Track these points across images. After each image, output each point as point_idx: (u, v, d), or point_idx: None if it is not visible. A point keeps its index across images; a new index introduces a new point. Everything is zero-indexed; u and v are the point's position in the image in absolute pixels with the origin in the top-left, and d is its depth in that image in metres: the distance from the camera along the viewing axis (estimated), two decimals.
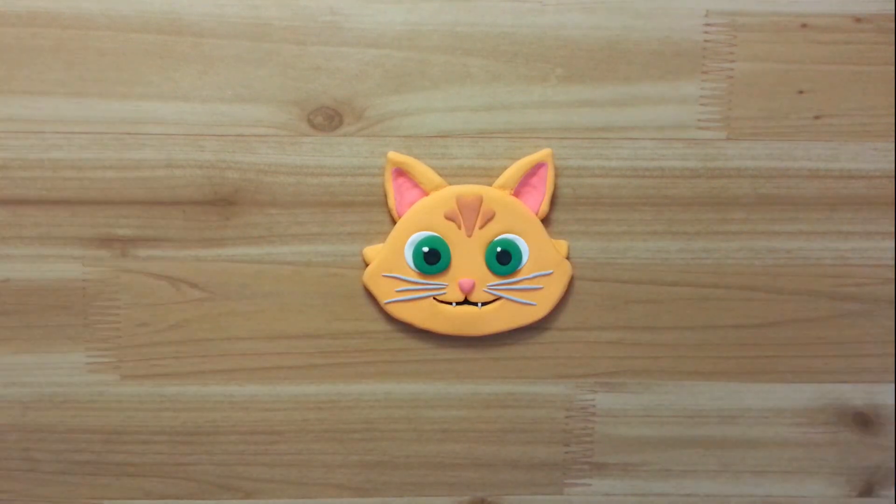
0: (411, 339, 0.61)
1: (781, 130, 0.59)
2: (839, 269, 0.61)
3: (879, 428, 0.63)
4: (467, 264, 0.58)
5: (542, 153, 0.57)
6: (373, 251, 0.59)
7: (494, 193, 0.58)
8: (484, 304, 0.59)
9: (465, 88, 0.57)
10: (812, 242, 0.60)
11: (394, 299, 0.59)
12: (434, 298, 0.59)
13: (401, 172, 0.57)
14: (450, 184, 0.58)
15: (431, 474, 0.63)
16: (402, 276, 0.58)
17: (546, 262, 0.59)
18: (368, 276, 0.58)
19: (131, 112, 0.57)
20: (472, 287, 0.58)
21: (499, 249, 0.58)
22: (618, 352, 0.61)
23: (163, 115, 0.57)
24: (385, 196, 0.58)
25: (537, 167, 0.58)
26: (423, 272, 0.58)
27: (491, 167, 0.58)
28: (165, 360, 0.60)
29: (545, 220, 0.59)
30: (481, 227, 0.58)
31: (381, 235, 0.59)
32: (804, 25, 0.57)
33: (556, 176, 0.58)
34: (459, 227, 0.58)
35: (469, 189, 0.57)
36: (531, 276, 0.59)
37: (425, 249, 0.58)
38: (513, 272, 0.58)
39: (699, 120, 0.58)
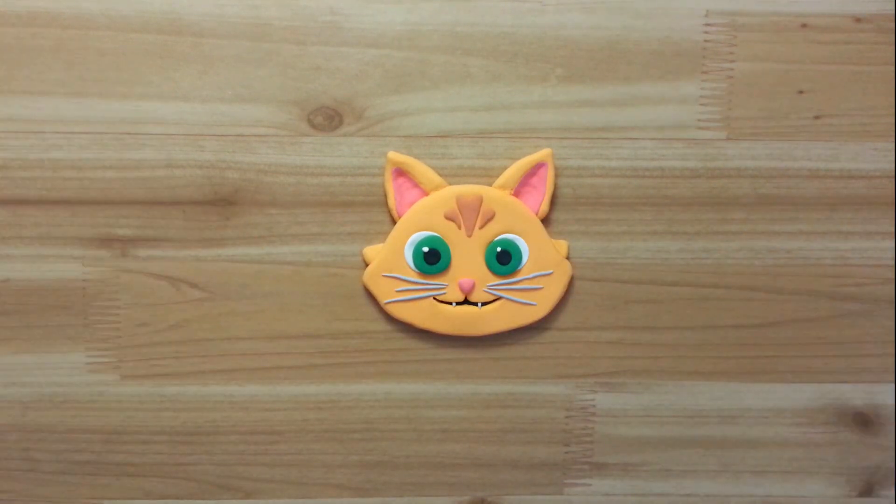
0: (411, 340, 0.60)
1: (781, 130, 0.58)
2: (839, 269, 0.60)
3: (879, 428, 0.63)
4: (467, 264, 0.58)
5: (542, 153, 0.57)
6: (373, 251, 0.58)
7: (494, 193, 0.57)
8: (484, 304, 0.59)
9: (465, 88, 0.57)
10: (812, 242, 0.60)
11: (394, 299, 0.59)
12: (434, 298, 0.59)
13: (401, 172, 0.57)
14: (450, 184, 0.58)
15: (431, 474, 0.63)
16: (402, 276, 0.58)
17: (546, 262, 0.58)
18: (368, 276, 0.58)
19: (131, 112, 0.57)
20: (472, 287, 0.58)
21: (499, 249, 0.58)
22: (618, 352, 0.61)
23: (163, 115, 0.57)
24: (385, 196, 0.58)
25: (537, 167, 0.58)
26: (423, 272, 0.58)
27: (491, 167, 0.58)
28: (165, 360, 0.60)
29: (545, 220, 0.59)
30: (481, 227, 0.58)
31: (381, 235, 0.58)
32: (804, 25, 0.57)
33: (557, 176, 0.58)
34: (459, 227, 0.58)
35: (469, 189, 0.57)
36: (531, 276, 0.59)
37: (425, 249, 0.57)
38: (513, 272, 0.58)
39: (699, 120, 0.58)
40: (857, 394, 0.62)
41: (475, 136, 0.58)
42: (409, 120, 0.57)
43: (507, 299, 0.59)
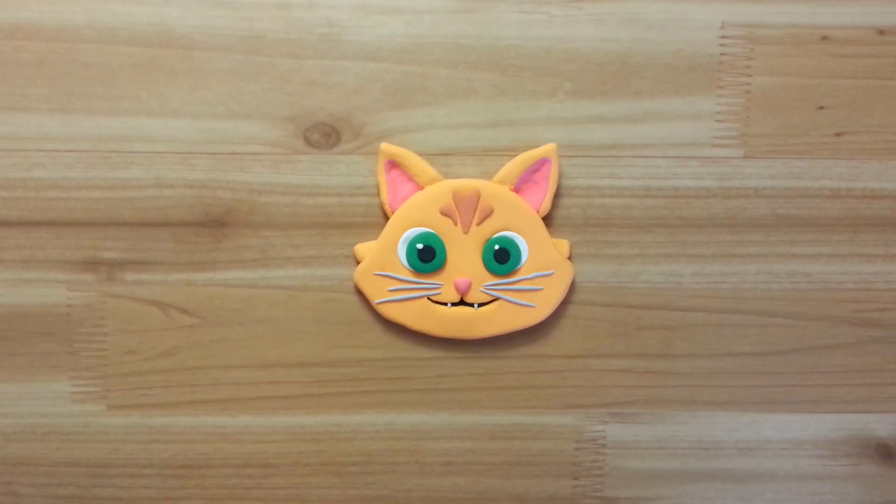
0: (412, 368, 0.59)
1: (801, 148, 0.57)
2: (861, 294, 0.59)
3: None
4: (463, 263, 0.56)
5: (546, 148, 0.56)
6: (364, 248, 0.57)
7: (493, 188, 0.56)
8: (480, 305, 0.57)
9: (468, 104, 0.56)
10: (833, 265, 0.58)
11: (386, 299, 0.57)
12: (428, 299, 0.57)
13: (394, 164, 0.56)
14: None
15: None
16: (395, 275, 0.56)
17: (546, 261, 0.57)
18: (360, 275, 0.57)
19: (118, 129, 0.55)
20: (469, 287, 0.56)
21: (497, 247, 0.56)
22: (629, 380, 0.59)
23: (151, 132, 0.55)
24: (377, 189, 0.56)
25: (540, 163, 0.56)
26: (417, 270, 0.56)
27: None
28: (154, 389, 0.58)
29: (546, 219, 0.57)
30: (479, 224, 0.56)
31: (375, 231, 0.57)
32: (825, 38, 0.56)
33: (560, 175, 0.56)
34: (456, 224, 0.56)
35: (466, 183, 0.56)
36: (531, 276, 0.57)
37: (419, 246, 0.56)
38: (511, 272, 0.56)
39: (715, 137, 0.56)
40: (880, 424, 0.61)
41: (479, 153, 0.56)
42: (409, 137, 0.56)
43: (505, 300, 0.57)
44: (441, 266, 0.56)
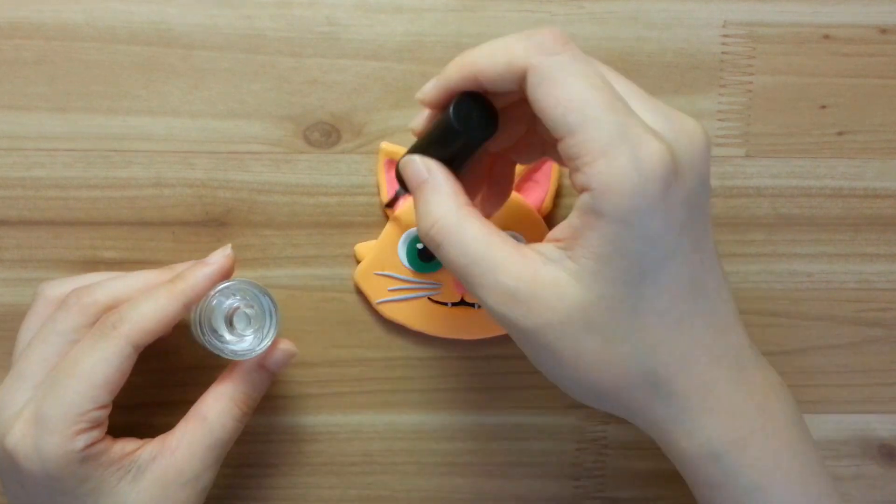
0: (412, 368, 0.58)
1: (803, 147, 0.57)
2: (863, 294, 0.59)
3: None
4: None
5: None
6: (364, 248, 0.56)
7: None
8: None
9: None
10: (835, 265, 0.58)
11: (386, 299, 0.57)
12: (428, 298, 0.57)
13: (394, 163, 0.55)
14: None
15: None
16: (396, 275, 0.56)
17: None
18: (360, 275, 0.56)
19: (118, 128, 0.55)
20: None
21: None
22: None
23: (151, 132, 0.55)
24: (378, 189, 0.56)
25: (541, 162, 0.56)
26: (417, 270, 0.56)
27: None
28: (154, 388, 0.58)
29: (548, 218, 0.57)
30: None
31: (375, 231, 0.57)
32: (827, 37, 0.56)
33: (561, 174, 0.56)
34: None
35: None
36: None
37: (419, 246, 0.55)
38: None
39: (716, 136, 0.56)
40: (882, 425, 0.60)
41: None
42: (410, 136, 0.54)
43: None
44: (441, 266, 0.56)
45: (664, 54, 0.55)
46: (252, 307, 0.50)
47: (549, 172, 0.56)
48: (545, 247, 0.41)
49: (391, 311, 0.57)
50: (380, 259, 0.56)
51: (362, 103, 0.55)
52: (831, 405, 0.60)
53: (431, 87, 0.44)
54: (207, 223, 0.56)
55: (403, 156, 0.46)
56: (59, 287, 0.52)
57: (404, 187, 0.46)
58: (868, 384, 0.60)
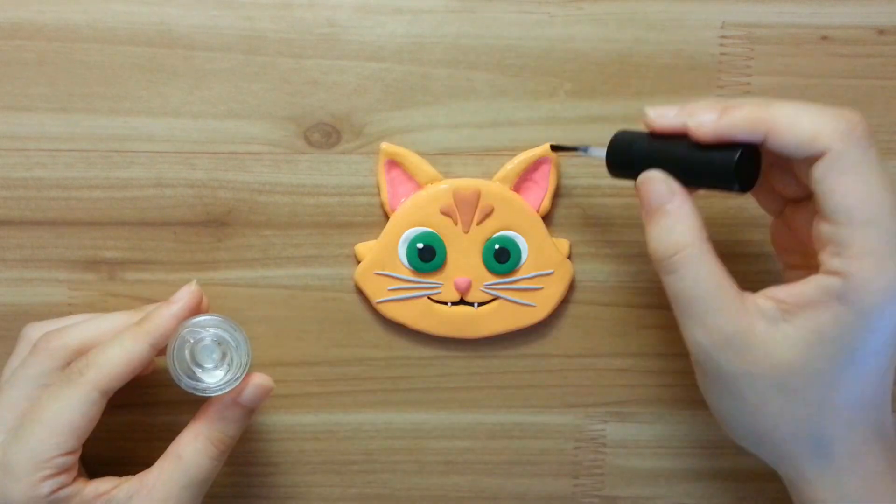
0: (412, 367, 0.59)
1: None
2: None
3: None
4: (464, 262, 0.56)
5: (545, 147, 0.56)
6: (364, 248, 0.57)
7: (493, 188, 0.56)
8: (480, 304, 0.57)
9: (469, 104, 0.56)
10: None
11: (386, 298, 0.57)
12: (428, 298, 0.57)
13: (394, 164, 0.56)
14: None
15: None
16: (396, 275, 0.56)
17: (546, 261, 0.56)
18: (360, 274, 0.56)
19: (119, 128, 0.55)
20: (469, 286, 0.56)
21: (497, 247, 0.56)
22: (629, 380, 0.59)
23: (152, 132, 0.55)
24: (378, 189, 0.56)
25: (539, 162, 0.56)
26: (417, 270, 0.56)
27: None
28: (155, 388, 0.58)
29: (546, 218, 0.57)
30: (479, 223, 0.56)
31: (375, 231, 0.57)
32: (824, 38, 0.56)
33: (560, 175, 0.56)
34: (456, 223, 0.56)
35: (466, 183, 0.55)
36: (530, 275, 0.57)
37: (419, 246, 0.56)
38: (511, 271, 0.56)
39: None
40: None
41: (480, 153, 0.56)
42: (410, 136, 0.56)
43: (505, 300, 0.57)
44: (441, 265, 0.56)
45: (662, 55, 0.55)
46: (221, 343, 0.50)
47: (548, 173, 0.56)
48: (765, 302, 0.44)
49: (391, 311, 0.57)
50: (380, 259, 0.56)
51: (362, 104, 0.55)
52: None
53: (711, 123, 0.44)
54: (208, 223, 0.56)
55: (622, 135, 0.49)
56: (40, 329, 0.52)
57: (612, 162, 0.49)
58: None
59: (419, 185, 0.56)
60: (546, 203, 0.56)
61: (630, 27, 0.55)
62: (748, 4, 0.55)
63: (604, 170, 0.55)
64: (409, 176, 0.56)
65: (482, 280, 0.56)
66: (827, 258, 0.42)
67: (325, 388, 0.59)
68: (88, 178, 0.55)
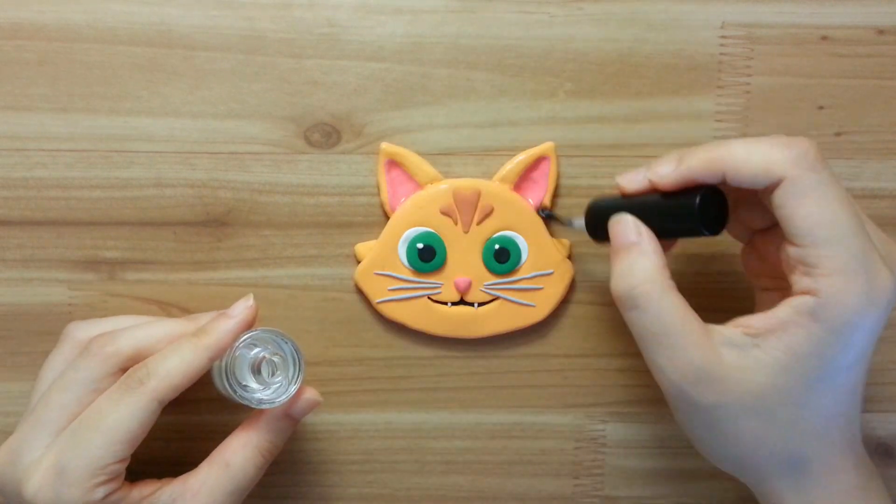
0: (412, 367, 0.58)
1: None
2: None
3: None
4: (464, 262, 0.56)
5: (545, 147, 0.56)
6: (364, 248, 0.57)
7: (493, 187, 0.56)
8: (480, 304, 0.57)
9: (468, 104, 0.56)
10: None
11: (386, 298, 0.57)
12: (428, 298, 0.57)
13: (394, 164, 0.56)
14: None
15: None
16: (396, 275, 0.56)
17: (546, 261, 0.57)
18: (360, 274, 0.56)
19: (119, 128, 0.55)
20: (469, 286, 0.56)
21: (497, 247, 0.56)
22: (629, 380, 0.59)
23: (152, 132, 0.55)
24: (378, 189, 0.56)
25: (539, 161, 0.56)
26: (417, 270, 0.56)
27: None
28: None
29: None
30: (479, 223, 0.56)
31: (375, 231, 0.57)
32: (824, 38, 0.56)
33: (560, 174, 0.56)
34: (456, 223, 0.56)
35: (466, 183, 0.56)
36: (530, 275, 0.57)
37: (419, 246, 0.56)
38: (511, 271, 0.56)
39: (715, 137, 0.56)
40: (880, 424, 0.60)
41: (480, 153, 0.56)
42: (410, 136, 0.56)
43: (505, 300, 0.57)
44: (441, 265, 0.56)
45: (662, 55, 0.55)
46: (277, 355, 0.50)
47: (548, 172, 0.56)
48: (732, 332, 0.45)
49: (391, 311, 0.57)
50: (380, 259, 0.56)
51: (362, 104, 0.55)
52: None
53: (671, 173, 0.46)
54: (208, 223, 0.56)
55: (596, 202, 0.52)
56: (85, 330, 0.52)
57: (590, 229, 0.51)
58: (867, 384, 0.59)
59: (419, 185, 0.56)
60: (546, 202, 0.56)
61: (630, 27, 0.55)
62: (748, 4, 0.55)
63: (604, 170, 0.56)
64: (409, 176, 0.56)
65: (482, 280, 0.56)
66: (798, 278, 0.44)
67: (325, 388, 0.58)
68: (88, 178, 0.55)
